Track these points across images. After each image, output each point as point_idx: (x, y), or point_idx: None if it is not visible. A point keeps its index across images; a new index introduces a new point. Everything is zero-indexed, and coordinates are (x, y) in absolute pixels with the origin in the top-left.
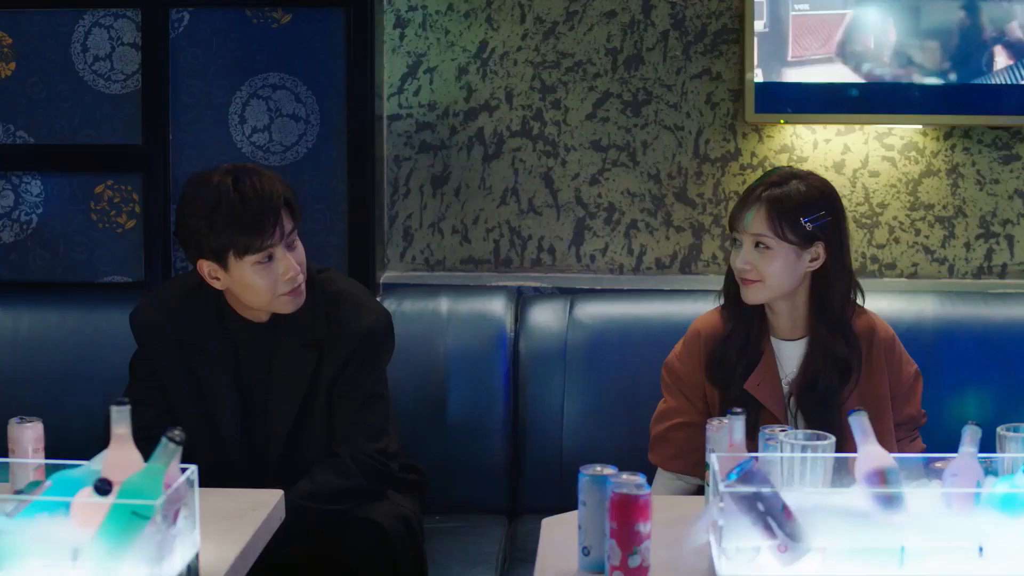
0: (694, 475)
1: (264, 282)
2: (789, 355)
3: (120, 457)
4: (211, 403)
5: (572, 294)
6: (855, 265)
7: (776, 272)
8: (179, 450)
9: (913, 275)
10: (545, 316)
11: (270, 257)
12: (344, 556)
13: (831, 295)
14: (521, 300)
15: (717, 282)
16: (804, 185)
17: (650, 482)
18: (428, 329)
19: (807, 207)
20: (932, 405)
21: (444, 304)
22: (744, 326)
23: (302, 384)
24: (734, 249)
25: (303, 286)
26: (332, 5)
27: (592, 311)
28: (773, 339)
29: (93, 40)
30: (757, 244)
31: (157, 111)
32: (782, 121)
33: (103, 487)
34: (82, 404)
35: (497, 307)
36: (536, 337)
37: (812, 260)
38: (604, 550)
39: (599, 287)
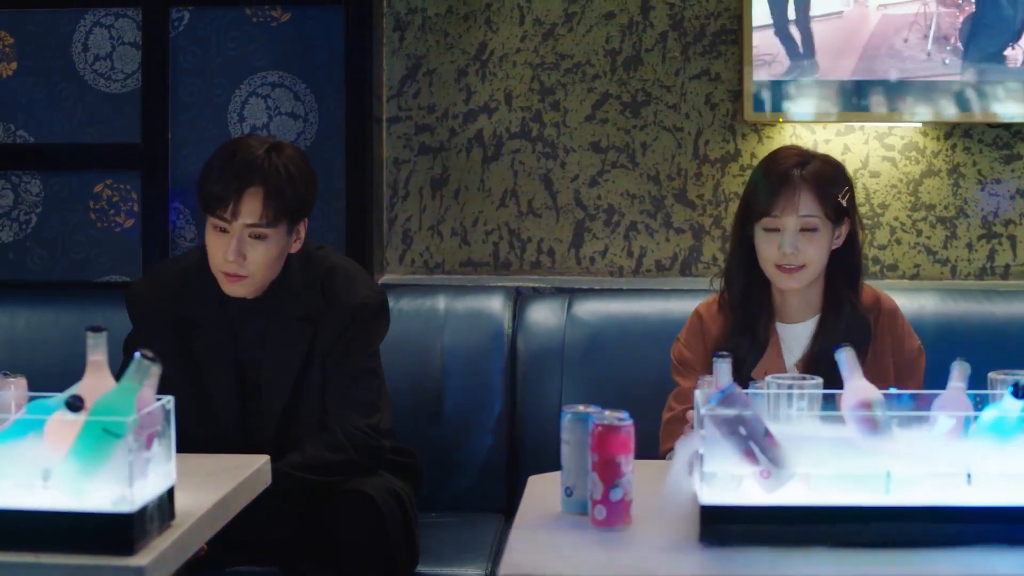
0: None
1: (213, 249)
2: (796, 336)
3: (95, 383)
4: (206, 379)
5: (570, 293)
6: None
7: (819, 255)
8: (152, 368)
9: (915, 276)
10: (543, 314)
11: (225, 231)
12: (334, 528)
13: (853, 273)
14: (519, 299)
15: (717, 284)
16: (822, 161)
17: None
18: (425, 327)
19: (838, 183)
20: None
21: (442, 302)
22: (749, 319)
23: (297, 359)
24: (766, 237)
25: (252, 282)
26: (331, 3)
27: (590, 309)
28: (778, 324)
29: (94, 39)
30: (803, 228)
31: (157, 110)
32: (780, 120)
33: (75, 403)
34: None
35: (495, 305)
36: (534, 335)
37: (837, 238)
38: (587, 488)
39: (598, 288)
